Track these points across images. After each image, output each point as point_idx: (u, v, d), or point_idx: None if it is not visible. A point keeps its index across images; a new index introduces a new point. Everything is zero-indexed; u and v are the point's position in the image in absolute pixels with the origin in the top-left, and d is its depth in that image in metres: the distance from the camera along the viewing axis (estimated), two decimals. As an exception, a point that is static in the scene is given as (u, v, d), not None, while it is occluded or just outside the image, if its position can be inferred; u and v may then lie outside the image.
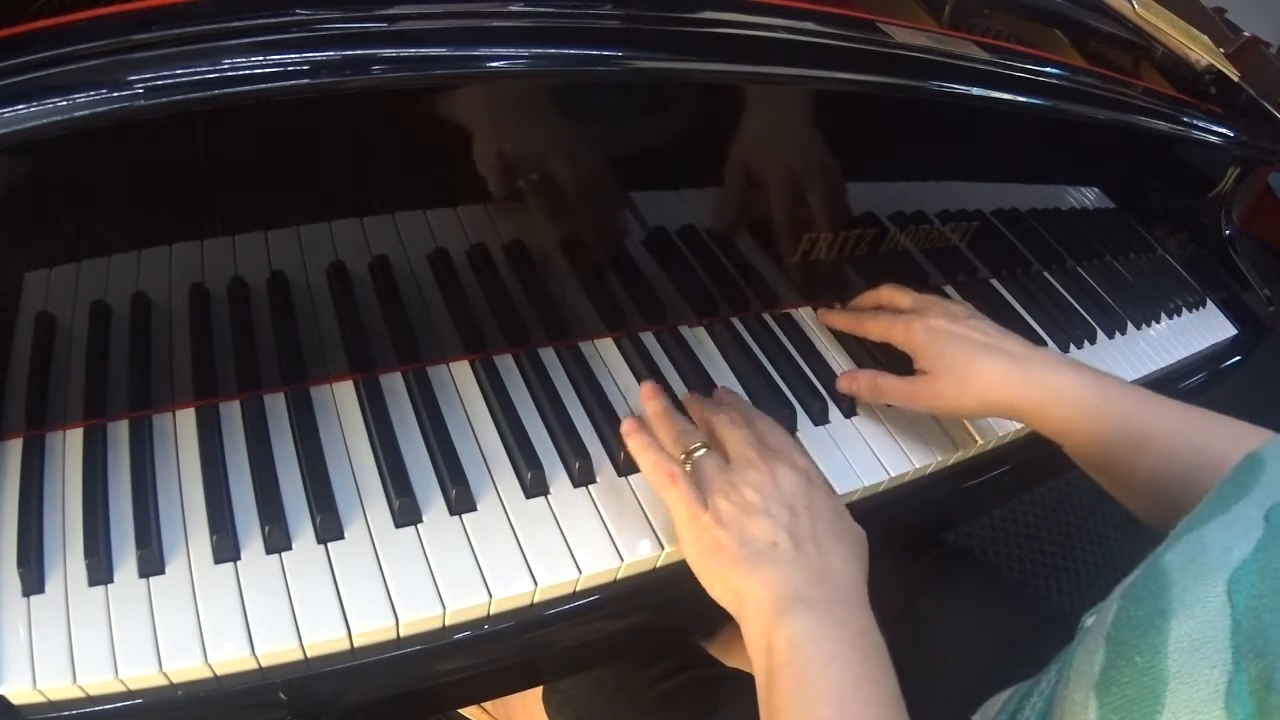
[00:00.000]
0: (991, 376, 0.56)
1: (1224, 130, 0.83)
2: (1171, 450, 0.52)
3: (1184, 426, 0.53)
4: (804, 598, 0.44)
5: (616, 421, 0.55)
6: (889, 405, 0.64)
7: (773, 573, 0.45)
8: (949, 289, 0.78)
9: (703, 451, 0.50)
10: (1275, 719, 0.25)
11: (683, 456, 0.50)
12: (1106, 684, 0.31)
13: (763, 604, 0.44)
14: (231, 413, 0.50)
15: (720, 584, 0.46)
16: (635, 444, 0.51)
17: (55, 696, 0.40)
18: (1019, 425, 0.65)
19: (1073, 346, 0.79)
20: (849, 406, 0.63)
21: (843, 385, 0.62)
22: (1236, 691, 0.26)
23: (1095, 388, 0.55)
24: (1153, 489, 0.53)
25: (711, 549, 0.46)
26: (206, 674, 0.42)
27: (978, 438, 0.64)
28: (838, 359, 0.66)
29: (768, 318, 0.67)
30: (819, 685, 0.41)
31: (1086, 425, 0.54)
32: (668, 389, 0.58)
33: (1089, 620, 0.39)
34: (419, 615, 0.45)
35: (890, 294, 0.66)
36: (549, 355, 0.59)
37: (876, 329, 0.63)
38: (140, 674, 0.40)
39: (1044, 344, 0.76)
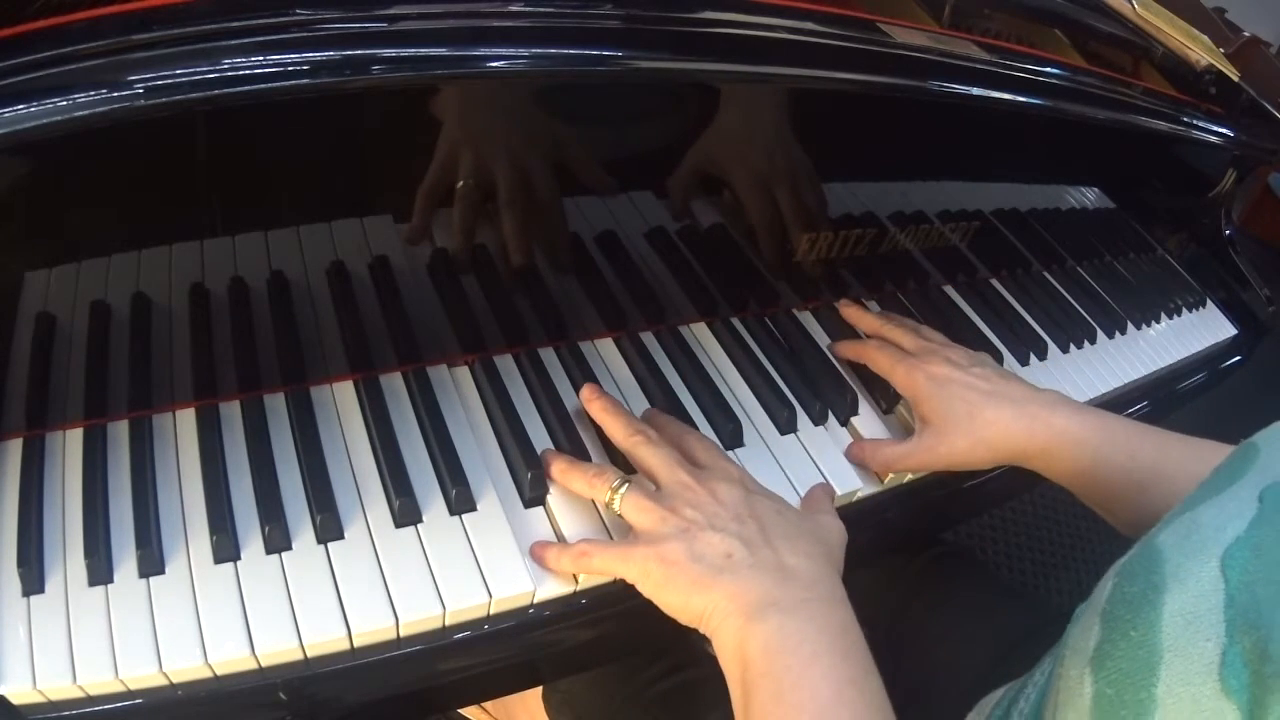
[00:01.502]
0: (999, 425, 0.55)
1: (1224, 130, 0.83)
2: (1177, 487, 0.51)
3: (1188, 462, 0.52)
4: (774, 602, 0.42)
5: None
6: (888, 412, 0.64)
7: (735, 582, 0.43)
8: (948, 288, 0.78)
9: (625, 487, 0.47)
10: (1270, 688, 0.25)
11: (607, 500, 0.48)
12: (1101, 658, 0.31)
13: (731, 616, 0.42)
14: (231, 413, 0.50)
15: (684, 610, 0.44)
16: (551, 554, 0.48)
17: (55, 696, 0.40)
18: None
19: (1073, 346, 0.79)
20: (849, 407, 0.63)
21: (853, 458, 0.60)
22: (1230, 663, 0.27)
23: (1100, 428, 0.54)
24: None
25: (664, 580, 0.44)
26: (206, 674, 0.42)
27: None
28: (838, 360, 0.66)
29: (768, 318, 0.67)
30: (798, 694, 0.39)
31: (1092, 466, 0.54)
32: (669, 389, 0.59)
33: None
34: (419, 615, 0.45)
35: (896, 331, 0.65)
36: (549, 355, 0.59)
37: (881, 362, 0.62)
38: (140, 674, 0.40)
39: (1044, 344, 0.76)
